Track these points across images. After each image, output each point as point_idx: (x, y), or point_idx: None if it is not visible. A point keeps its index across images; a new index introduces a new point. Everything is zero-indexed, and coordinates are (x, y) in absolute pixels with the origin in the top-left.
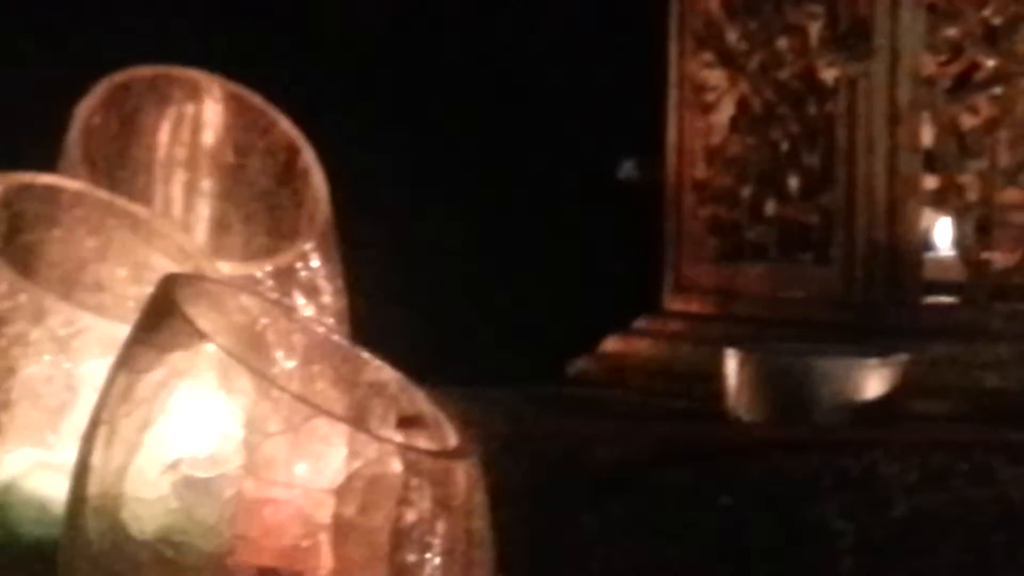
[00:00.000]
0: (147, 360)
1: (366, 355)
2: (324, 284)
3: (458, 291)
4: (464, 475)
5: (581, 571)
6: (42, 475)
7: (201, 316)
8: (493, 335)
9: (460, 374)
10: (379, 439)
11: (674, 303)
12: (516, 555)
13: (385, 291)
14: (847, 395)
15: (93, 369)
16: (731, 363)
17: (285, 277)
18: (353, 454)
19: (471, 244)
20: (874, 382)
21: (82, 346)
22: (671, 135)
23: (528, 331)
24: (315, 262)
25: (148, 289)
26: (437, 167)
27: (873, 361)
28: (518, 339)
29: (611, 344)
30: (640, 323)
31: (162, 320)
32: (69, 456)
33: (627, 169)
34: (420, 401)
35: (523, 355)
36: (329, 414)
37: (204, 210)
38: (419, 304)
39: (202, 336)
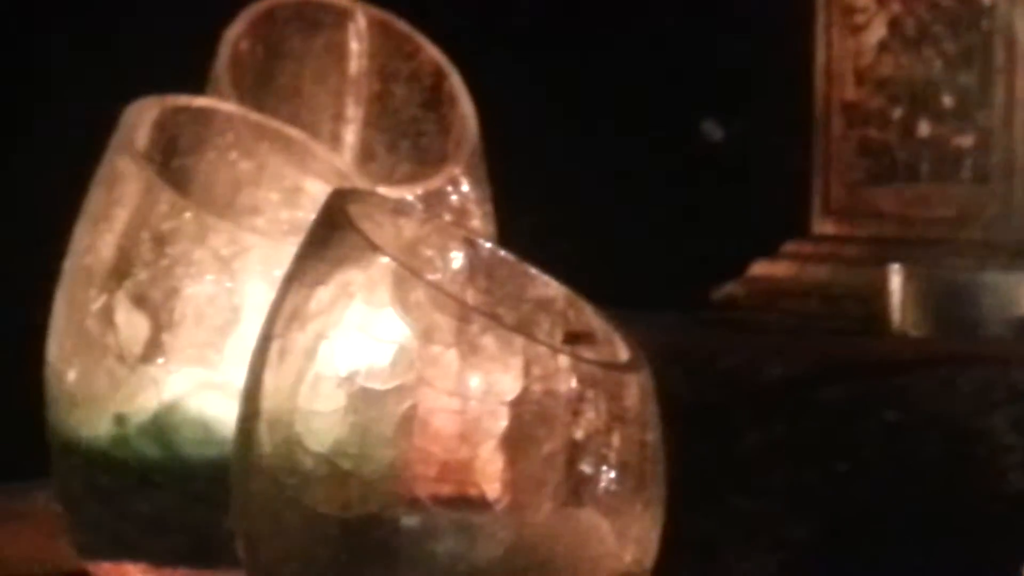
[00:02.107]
0: (319, 274)
1: (532, 271)
2: (474, 208)
3: (601, 218)
4: (637, 387)
5: (744, 489)
6: (206, 395)
7: (371, 230)
8: (637, 263)
9: (604, 302)
10: (554, 350)
11: (823, 226)
12: (679, 473)
13: (529, 218)
14: (1015, 309)
15: (256, 289)
16: (895, 279)
17: (435, 201)
18: (527, 366)
19: (614, 170)
20: None
21: (245, 266)
22: (820, 57)
23: (672, 258)
24: (465, 186)
25: (302, 213)
26: (579, 91)
27: None
28: (662, 266)
29: (759, 268)
30: (788, 247)
31: (333, 233)
32: (233, 376)
33: (709, 128)
34: (588, 316)
35: (667, 282)
36: (504, 325)
37: (349, 138)
38: (563, 232)
39: (375, 248)
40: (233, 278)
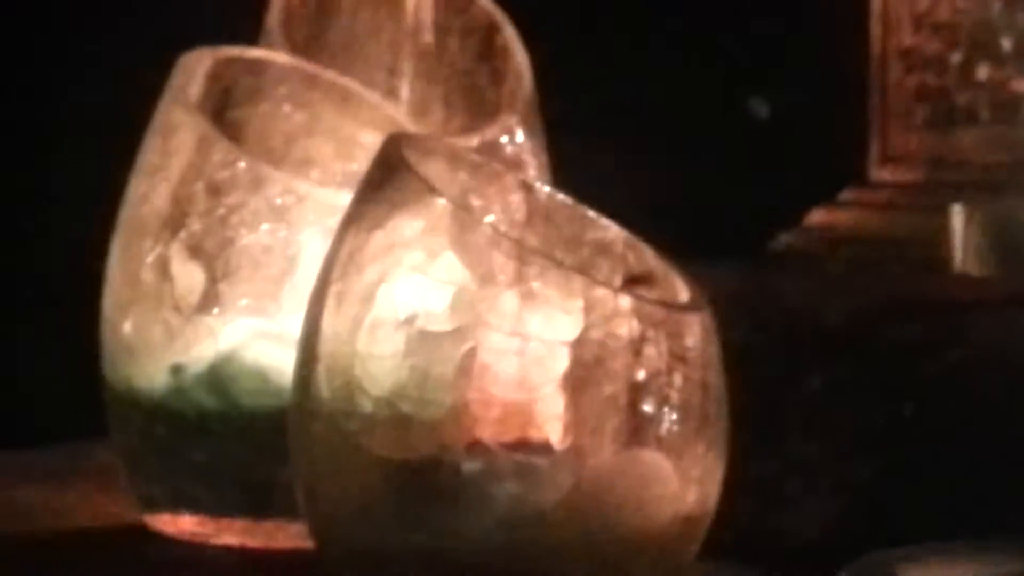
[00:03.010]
0: (377, 217)
1: (590, 213)
2: (529, 159)
3: (655, 167)
4: (699, 327)
5: (807, 431)
6: (262, 345)
7: (427, 175)
8: (692, 214)
9: (661, 251)
10: (614, 290)
11: (881, 173)
12: (741, 417)
13: (585, 167)
14: None
15: (311, 238)
16: (957, 220)
17: (490, 152)
18: (588, 306)
19: (669, 118)
20: None
21: (300, 215)
22: (875, 3)
23: (728, 209)
24: (520, 137)
25: (356, 165)
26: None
27: None
28: (718, 218)
29: (816, 217)
30: (846, 195)
31: (391, 176)
32: (289, 326)
33: (756, 106)
34: (648, 258)
35: (723, 234)
36: (563, 266)
37: (403, 92)
38: (617, 183)
39: (433, 191)
40: (288, 227)
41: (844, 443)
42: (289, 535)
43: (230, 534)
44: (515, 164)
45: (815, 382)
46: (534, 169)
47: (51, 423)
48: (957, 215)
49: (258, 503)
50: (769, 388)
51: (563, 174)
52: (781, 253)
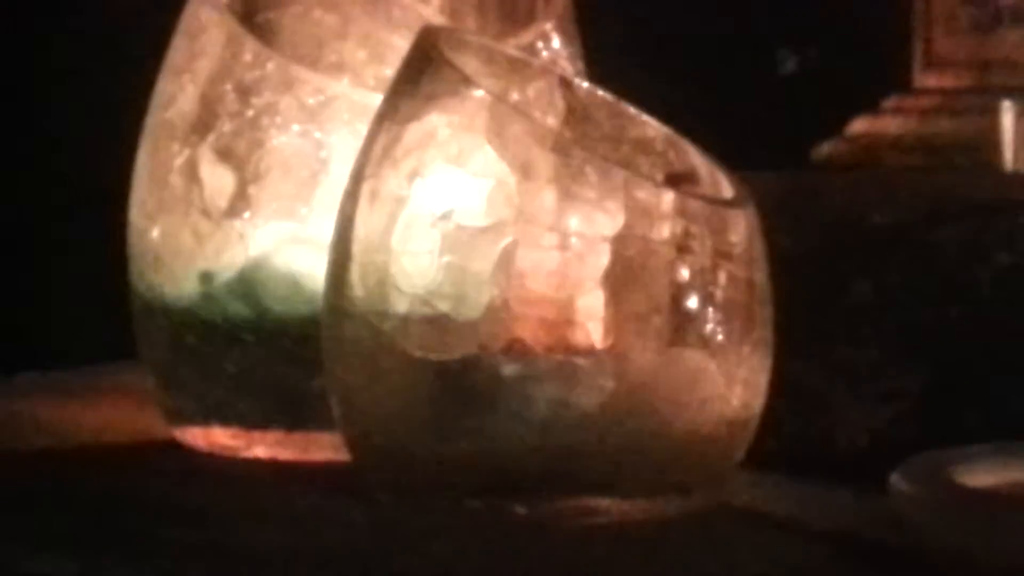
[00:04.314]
0: (411, 110)
1: (631, 110)
2: (566, 64)
3: (697, 77)
4: (744, 223)
5: (853, 337)
6: (294, 250)
7: (464, 67)
8: (733, 124)
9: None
10: (656, 184)
11: (926, 79)
12: (787, 323)
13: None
14: None
15: (344, 139)
16: (1007, 116)
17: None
18: (629, 201)
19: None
20: None
21: (332, 116)
22: None
23: (770, 119)
24: (556, 42)
25: (389, 71)
26: None
27: None
28: (760, 127)
29: (859, 125)
30: (890, 102)
31: (426, 68)
32: (322, 230)
33: (785, 58)
34: (691, 155)
35: (765, 144)
36: (603, 158)
37: None
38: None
39: (469, 82)
40: (320, 128)
41: (891, 349)
42: (323, 447)
43: (262, 447)
44: None
45: (862, 288)
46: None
47: (77, 345)
48: (1007, 112)
49: (290, 414)
50: (815, 295)
51: (600, 83)
52: (824, 162)
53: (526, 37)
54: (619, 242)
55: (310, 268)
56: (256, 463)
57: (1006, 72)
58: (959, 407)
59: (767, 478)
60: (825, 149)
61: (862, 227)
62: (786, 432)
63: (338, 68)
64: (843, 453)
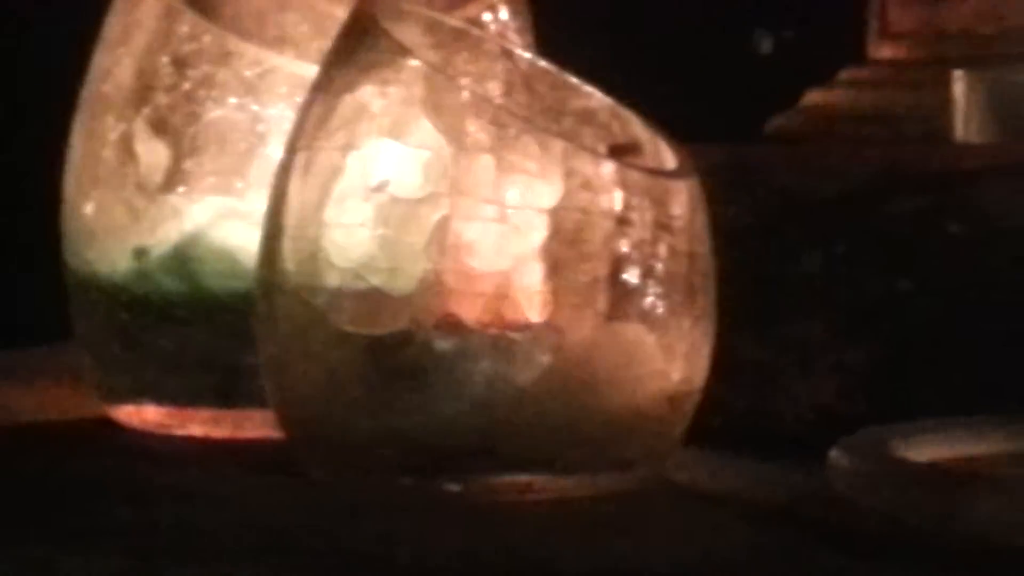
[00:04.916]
0: (346, 80)
1: (574, 81)
2: (513, 37)
3: (648, 48)
4: (686, 195)
5: (802, 311)
6: (230, 225)
7: (402, 37)
8: (686, 96)
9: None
10: (595, 155)
11: (881, 51)
12: (735, 296)
13: (573, 48)
14: None
15: (282, 112)
16: (959, 85)
17: None
18: (567, 173)
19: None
20: None
21: (269, 88)
22: None
23: (724, 92)
24: (504, 14)
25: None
26: None
27: None
28: (713, 99)
29: (814, 97)
30: (845, 74)
31: (362, 38)
32: (259, 205)
33: (760, 39)
34: (634, 126)
35: (718, 116)
36: (541, 128)
37: None
38: (609, 64)
39: (405, 51)
40: (258, 101)
41: (840, 323)
42: (257, 424)
43: (196, 424)
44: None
45: (811, 261)
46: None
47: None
48: (959, 81)
49: (225, 392)
50: (763, 268)
51: (552, 56)
52: (777, 134)
53: (474, 9)
54: (557, 214)
55: (246, 243)
56: (190, 441)
57: (960, 43)
58: (908, 382)
59: (710, 455)
60: (778, 122)
61: (811, 199)
62: (731, 408)
63: (280, 41)
64: (789, 429)
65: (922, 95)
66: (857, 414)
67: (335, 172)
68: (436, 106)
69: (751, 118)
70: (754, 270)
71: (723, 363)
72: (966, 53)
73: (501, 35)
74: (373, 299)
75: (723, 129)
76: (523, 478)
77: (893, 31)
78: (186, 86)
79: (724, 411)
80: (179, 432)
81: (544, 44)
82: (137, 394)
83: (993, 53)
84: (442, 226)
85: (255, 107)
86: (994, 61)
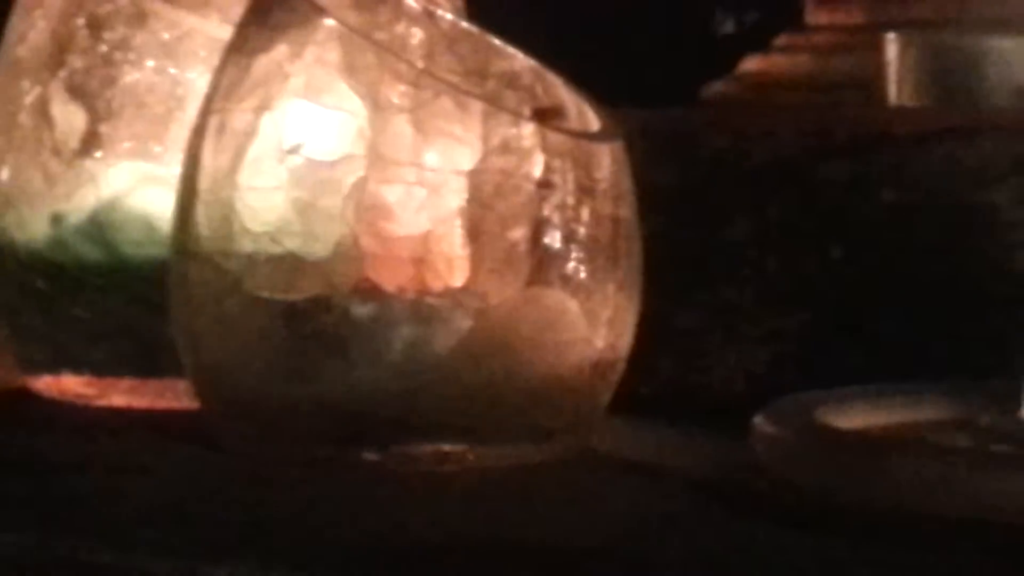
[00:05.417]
0: (261, 40)
1: (497, 43)
2: (443, 1)
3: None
4: (609, 158)
5: (733, 278)
6: (148, 190)
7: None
8: (623, 64)
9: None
10: (515, 115)
11: (817, 16)
12: (665, 262)
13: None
14: (1021, 75)
15: (201, 75)
16: (892, 47)
17: None
18: (487, 134)
19: None
20: None
21: (187, 51)
22: None
23: (661, 59)
24: None
25: None
26: None
27: None
28: (650, 67)
29: (750, 64)
30: (781, 40)
31: None
32: (178, 170)
33: (722, 21)
34: (558, 89)
35: (656, 83)
36: (460, 88)
37: None
38: (540, 27)
39: (320, 10)
40: (176, 64)
41: (771, 289)
42: (178, 394)
43: (115, 394)
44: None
45: (742, 227)
46: (449, 12)
47: None
48: (891, 44)
49: (144, 361)
50: (695, 234)
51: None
52: (714, 100)
53: None
54: (476, 177)
55: (165, 209)
56: (109, 412)
57: (897, 7)
58: (840, 349)
59: (637, 423)
60: (716, 87)
61: (742, 165)
62: (661, 376)
63: (204, 5)
64: (719, 397)
65: (857, 60)
66: (788, 382)
67: (249, 134)
68: (351, 67)
69: (694, 83)
70: (685, 236)
71: (652, 330)
72: (902, 17)
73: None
74: (288, 264)
75: (666, 94)
76: (443, 447)
77: None
78: (102, 49)
79: (653, 379)
80: (98, 403)
81: (479, 8)
82: (55, 364)
83: (929, 17)
84: (358, 189)
85: (173, 70)
86: (929, 24)
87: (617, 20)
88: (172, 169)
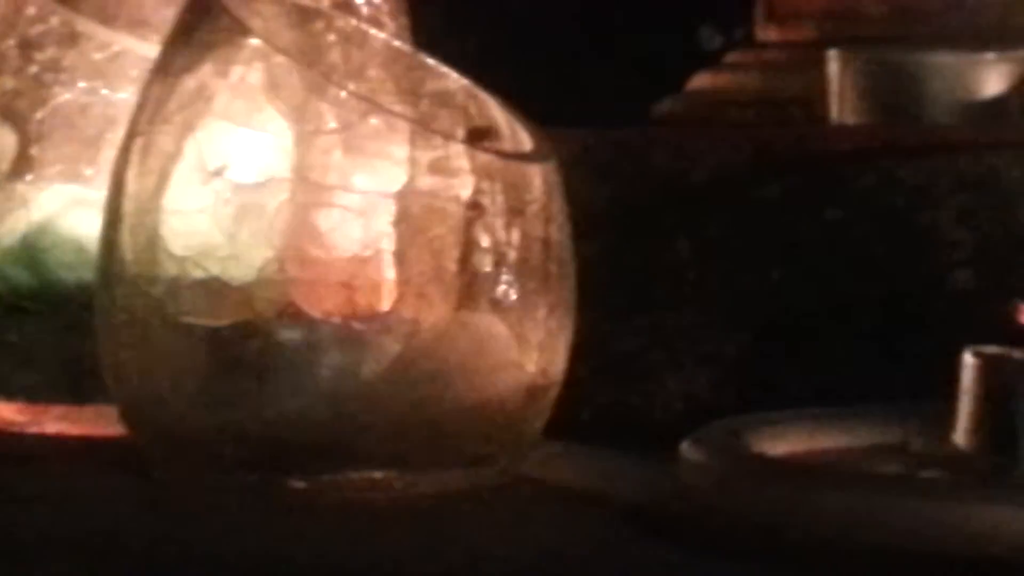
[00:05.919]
0: (186, 61)
1: (429, 61)
2: (387, 21)
3: (529, 30)
4: (541, 179)
5: (673, 299)
6: (79, 213)
7: (252, 16)
8: (572, 83)
9: (531, 119)
10: (444, 136)
11: (767, 33)
12: (603, 283)
13: (450, 29)
14: (963, 93)
15: (133, 96)
16: (833, 64)
17: (346, 11)
18: (415, 155)
19: None
20: (993, 79)
21: (120, 71)
22: None
23: (611, 76)
24: None
25: None
26: None
27: (990, 56)
28: (599, 85)
29: (699, 81)
30: (730, 57)
31: (203, 18)
32: None
33: (707, 36)
34: (491, 109)
35: (605, 101)
36: (387, 110)
37: None
38: (488, 42)
39: (246, 30)
40: (108, 84)
41: (711, 311)
42: (112, 421)
43: (49, 421)
44: (373, 26)
45: (682, 247)
46: (392, 31)
47: None
48: (832, 61)
49: (78, 387)
50: (634, 255)
51: (427, 40)
52: (662, 119)
53: None
54: (404, 199)
55: (96, 233)
56: (41, 439)
57: (846, 24)
58: (780, 372)
59: (575, 449)
60: (665, 106)
61: (683, 184)
62: (599, 400)
63: (141, 25)
64: (659, 421)
65: (804, 77)
66: (728, 406)
67: (173, 156)
68: (277, 87)
69: (643, 100)
70: (624, 257)
71: (591, 354)
72: (851, 34)
73: (373, 17)
74: (212, 289)
75: (614, 112)
76: (372, 475)
77: (780, 12)
78: (33, 69)
79: (592, 403)
80: (31, 430)
81: (422, 29)
82: None
83: (878, 34)
84: (283, 212)
85: (105, 91)
86: (878, 42)
87: (579, 41)
88: (103, 192)
